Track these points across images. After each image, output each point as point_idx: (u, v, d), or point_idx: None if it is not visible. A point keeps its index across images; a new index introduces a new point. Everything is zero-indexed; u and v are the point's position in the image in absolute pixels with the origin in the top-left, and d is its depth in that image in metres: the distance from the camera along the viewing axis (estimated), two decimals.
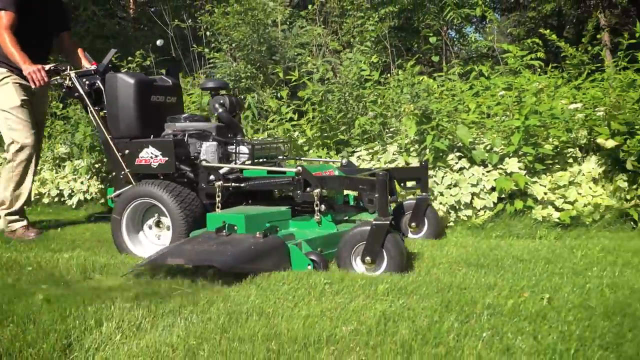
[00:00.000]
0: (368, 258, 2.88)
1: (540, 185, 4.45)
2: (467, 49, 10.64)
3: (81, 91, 3.87)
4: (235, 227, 3.15)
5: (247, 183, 3.59)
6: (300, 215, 3.53)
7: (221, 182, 3.49)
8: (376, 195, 2.98)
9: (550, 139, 4.67)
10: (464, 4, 8.75)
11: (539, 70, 6.37)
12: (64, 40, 4.66)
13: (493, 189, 4.40)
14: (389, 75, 6.23)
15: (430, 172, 4.42)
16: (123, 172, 3.72)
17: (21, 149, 4.26)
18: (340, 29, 8.05)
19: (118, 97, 3.72)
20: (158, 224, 3.61)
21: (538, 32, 7.53)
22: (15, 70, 4.22)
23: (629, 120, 4.35)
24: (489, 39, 9.09)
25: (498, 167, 4.51)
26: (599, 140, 4.41)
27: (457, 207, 4.39)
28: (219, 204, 3.47)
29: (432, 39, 6.73)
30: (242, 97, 6.31)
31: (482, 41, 9.75)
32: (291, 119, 5.68)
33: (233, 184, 3.55)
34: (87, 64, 4.34)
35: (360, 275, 2.76)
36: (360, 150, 5.19)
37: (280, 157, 4.11)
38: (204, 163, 3.60)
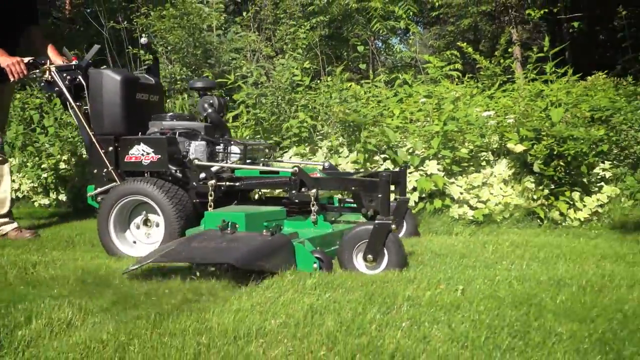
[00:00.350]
0: (370, 256, 2.82)
1: (457, 185, 4.58)
2: (392, 59, 10.84)
3: (62, 86, 3.64)
4: (237, 225, 3.01)
5: (242, 182, 3.47)
6: (292, 215, 3.41)
7: (214, 181, 3.37)
8: (379, 196, 2.94)
9: (466, 144, 4.82)
10: (389, 16, 8.90)
11: (457, 80, 6.57)
12: (33, 35, 4.33)
13: (414, 189, 4.50)
14: (319, 81, 6.26)
15: None
16: (106, 170, 3.53)
17: None
18: (273, 35, 8.03)
19: (103, 93, 3.54)
20: (146, 222, 3.46)
21: (456, 45, 7.76)
22: None
23: (536, 127, 4.54)
24: (412, 50, 9.32)
25: (419, 168, 4.62)
26: (509, 145, 4.58)
27: None
28: (212, 203, 3.34)
29: (360, 48, 6.82)
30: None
31: (406, 52, 9.98)
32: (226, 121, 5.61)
33: (227, 183, 3.43)
34: (58, 60, 4.04)
35: (290, 271, 2.75)
36: (290, 152, 5.18)
37: (263, 159, 3.98)
38: (196, 162, 3.46)
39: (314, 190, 3.16)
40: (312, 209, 3.18)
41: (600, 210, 4.50)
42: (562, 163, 4.41)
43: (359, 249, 2.86)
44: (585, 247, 3.58)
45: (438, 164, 4.59)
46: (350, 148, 4.94)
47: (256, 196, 4.23)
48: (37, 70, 3.78)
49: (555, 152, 4.36)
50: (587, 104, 5.11)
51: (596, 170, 4.66)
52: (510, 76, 6.37)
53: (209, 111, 3.74)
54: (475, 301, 2.29)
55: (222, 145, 3.64)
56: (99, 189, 3.57)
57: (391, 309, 2.21)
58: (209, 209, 3.29)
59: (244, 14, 7.87)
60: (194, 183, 3.46)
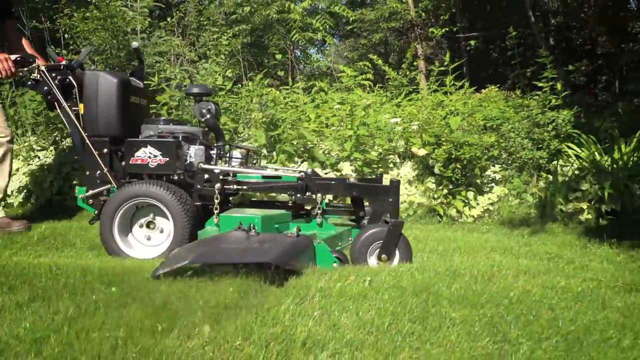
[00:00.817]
0: (384, 255, 2.84)
1: None
2: (310, 67, 10.91)
3: (52, 86, 3.37)
4: (255, 228, 2.89)
5: (248, 186, 3.34)
6: (297, 218, 3.36)
7: (220, 184, 3.20)
8: (390, 200, 3.02)
9: (376, 147, 4.93)
10: (307, 28, 8.95)
11: (368, 89, 6.70)
12: (7, 28, 3.98)
13: None
14: (240, 85, 6.19)
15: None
16: (100, 172, 3.32)
17: None
18: (197, 41, 7.84)
19: (98, 95, 3.31)
20: (149, 224, 3.25)
21: (368, 57, 7.92)
22: None
23: (437, 134, 4.71)
24: (328, 60, 9.41)
25: (334, 169, 4.67)
26: (414, 149, 4.73)
27: None
28: (217, 206, 3.18)
29: (278, 56, 6.81)
30: None
31: (323, 61, 10.07)
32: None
33: (235, 187, 3.29)
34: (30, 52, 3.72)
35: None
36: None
37: (249, 164, 3.80)
38: (201, 165, 3.28)
39: (319, 195, 3.14)
40: (318, 211, 3.16)
41: (491, 208, 4.74)
42: (459, 166, 4.61)
43: (373, 249, 2.88)
44: (477, 241, 3.75)
45: (351, 165, 4.67)
46: (270, 150, 4.92)
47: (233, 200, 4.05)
48: (25, 69, 3.49)
49: (453, 156, 4.55)
50: (480, 114, 5.37)
51: (488, 172, 4.90)
52: (415, 87, 6.59)
53: (207, 117, 3.51)
54: (381, 291, 2.34)
55: (216, 149, 3.50)
56: (92, 191, 3.34)
57: (304, 300, 2.21)
58: (215, 212, 3.17)
59: (169, 19, 7.64)
60: (198, 186, 3.29)
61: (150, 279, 2.48)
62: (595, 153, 5.00)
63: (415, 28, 12.45)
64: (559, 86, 5.52)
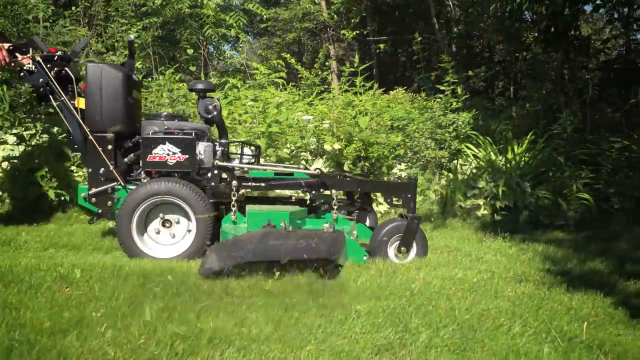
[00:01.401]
0: (403, 248, 3.01)
1: None
2: (224, 63, 10.73)
3: (51, 78, 3.11)
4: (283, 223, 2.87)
5: (266, 183, 3.29)
6: (313, 214, 3.34)
7: (237, 181, 3.13)
8: (409, 196, 3.15)
9: (288, 144, 4.93)
10: (221, 24, 8.79)
11: (281, 86, 6.70)
12: None
13: None
14: (150, 80, 5.97)
15: None
16: (104, 169, 3.11)
17: None
18: (105, 32, 7.46)
19: (103, 89, 3.08)
20: (164, 223, 3.12)
21: (281, 56, 7.92)
22: None
23: (346, 132, 4.79)
24: (242, 57, 9.30)
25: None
26: (326, 146, 4.79)
27: None
28: (235, 204, 3.09)
29: (190, 51, 6.64)
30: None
31: (236, 58, 9.94)
32: (53, 113, 5.10)
33: (252, 184, 3.25)
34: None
35: (110, 264, 2.58)
36: None
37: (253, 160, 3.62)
38: (217, 162, 3.19)
39: (335, 191, 3.18)
40: (334, 207, 3.17)
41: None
42: (367, 164, 4.72)
43: (393, 242, 3.03)
44: None
45: (264, 161, 4.64)
46: None
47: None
48: (20, 59, 3.15)
49: (362, 154, 4.65)
50: (388, 114, 5.54)
51: (394, 170, 5.06)
52: (327, 87, 6.67)
53: (214, 113, 3.36)
54: (290, 287, 2.35)
55: (221, 146, 3.34)
56: (96, 189, 3.14)
57: (210, 298, 2.17)
58: (232, 208, 3.09)
59: (74, 8, 7.21)
60: (213, 183, 3.20)
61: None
62: (491, 153, 5.31)
63: (328, 29, 12.62)
64: (459, 90, 5.80)
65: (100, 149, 3.11)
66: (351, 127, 4.83)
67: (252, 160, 3.52)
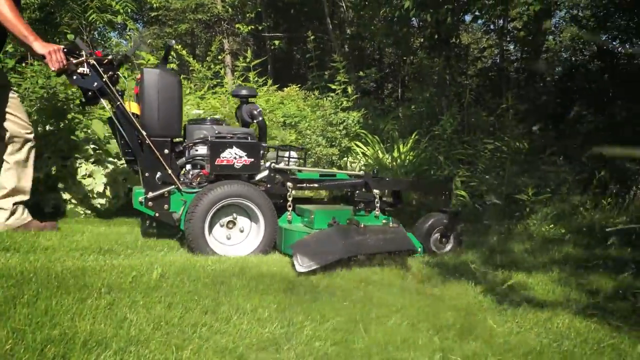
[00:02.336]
0: (444, 239, 3.45)
1: None
2: (109, 51, 10.16)
3: (108, 82, 3.05)
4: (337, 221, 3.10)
5: (319, 184, 3.54)
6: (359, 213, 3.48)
7: (292, 183, 3.32)
8: (446, 193, 3.67)
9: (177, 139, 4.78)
10: (107, 9, 8.30)
11: None
12: None
13: (125, 179, 4.28)
14: (25, 65, 5.49)
15: (67, 163, 4.07)
16: (161, 173, 3.11)
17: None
18: None
19: (160, 94, 3.08)
20: (228, 224, 3.18)
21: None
22: None
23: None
24: (130, 46, 8.85)
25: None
26: None
27: (91, 196, 4.13)
28: (291, 204, 3.30)
29: (70, 37, 6.19)
30: None
31: (124, 46, 9.45)
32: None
33: (307, 185, 3.49)
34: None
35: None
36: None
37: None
38: (274, 165, 3.35)
39: (377, 190, 3.42)
40: (377, 205, 3.39)
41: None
42: None
43: (435, 234, 3.43)
44: None
45: None
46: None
47: None
48: (75, 62, 3.02)
49: None
50: (281, 111, 5.56)
51: None
52: (219, 81, 6.55)
53: (259, 118, 3.55)
54: (175, 284, 2.28)
55: (266, 149, 3.56)
56: (153, 193, 3.11)
57: (90, 297, 2.05)
58: (288, 209, 3.30)
59: None
60: (269, 185, 3.33)
61: None
62: (379, 151, 5.52)
63: (222, 22, 12.40)
64: (350, 90, 5.97)
65: (158, 153, 3.11)
66: None
67: (300, 162, 3.70)
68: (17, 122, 3.29)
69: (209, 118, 3.53)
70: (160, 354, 1.62)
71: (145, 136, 3.08)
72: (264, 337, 1.83)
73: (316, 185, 3.54)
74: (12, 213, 3.30)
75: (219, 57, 7.16)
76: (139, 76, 3.24)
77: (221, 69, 6.92)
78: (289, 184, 3.32)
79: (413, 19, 8.42)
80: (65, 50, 3.04)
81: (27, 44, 3.03)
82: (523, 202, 4.41)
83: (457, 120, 6.07)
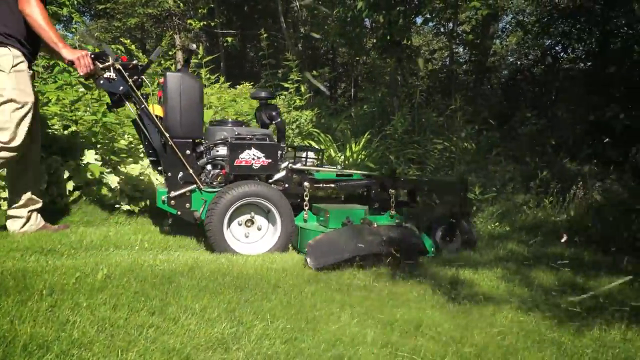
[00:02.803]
0: (448, 237, 3.57)
1: (115, 175, 4.39)
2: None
3: (133, 86, 3.16)
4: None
5: (335, 184, 3.56)
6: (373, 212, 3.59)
7: (309, 183, 3.38)
8: (461, 194, 3.63)
9: (126, 136, 4.66)
10: (51, 1, 7.99)
11: None
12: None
13: (69, 178, 4.14)
14: None
15: None
16: (183, 173, 3.21)
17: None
18: None
19: (182, 96, 3.18)
20: (247, 222, 3.28)
21: (121, 41, 7.46)
22: (28, 56, 3.11)
23: None
24: (76, 39, 8.56)
25: (77, 158, 4.26)
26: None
27: None
28: (307, 203, 3.39)
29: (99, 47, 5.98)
30: None
31: (69, 39, 9.11)
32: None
33: (324, 185, 3.52)
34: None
35: None
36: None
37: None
38: (291, 166, 3.42)
39: (392, 190, 3.50)
40: (392, 205, 3.48)
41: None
42: None
43: (438, 231, 3.55)
44: None
45: (96, 153, 4.32)
46: None
47: None
48: (101, 67, 3.14)
49: None
50: (233, 109, 5.50)
51: None
52: None
53: (278, 120, 3.64)
54: (121, 284, 2.22)
55: (286, 149, 3.65)
56: (175, 193, 3.21)
57: (31, 299, 1.97)
58: (305, 208, 3.38)
59: None
60: (287, 185, 3.40)
61: None
62: (331, 150, 5.55)
63: (174, 18, 12.17)
64: (303, 89, 5.97)
65: (180, 154, 3.19)
66: None
67: (317, 163, 3.73)
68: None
69: (230, 119, 3.63)
70: (104, 356, 1.58)
71: (168, 137, 3.19)
72: (213, 338, 1.81)
73: (332, 185, 3.58)
74: (28, 220, 3.36)
75: (170, 52, 7.01)
76: (162, 80, 3.31)
77: (172, 64, 6.77)
78: (305, 183, 3.40)
79: (366, 19, 8.52)
80: (92, 56, 3.12)
81: (56, 51, 3.09)
82: (471, 201, 4.53)
83: (407, 120, 6.18)
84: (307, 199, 3.39)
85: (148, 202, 4.25)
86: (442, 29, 9.54)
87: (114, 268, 2.42)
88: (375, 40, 9.36)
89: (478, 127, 6.42)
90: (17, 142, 3.06)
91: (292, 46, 11.32)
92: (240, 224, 3.27)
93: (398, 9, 6.76)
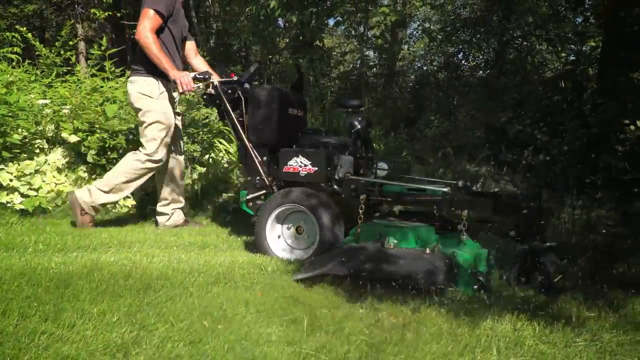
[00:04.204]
0: (525, 275, 2.74)
1: (7, 172, 4.10)
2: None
3: (224, 99, 3.49)
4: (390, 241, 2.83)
5: (393, 198, 3.28)
6: (443, 234, 2.99)
7: (365, 195, 3.11)
8: (542, 222, 2.90)
9: (20, 130, 4.35)
10: None
11: (15, 63, 5.88)
12: (188, 48, 4.14)
13: None
14: None
15: None
16: (259, 178, 3.43)
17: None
18: None
19: (261, 107, 3.40)
20: (297, 229, 3.29)
21: (17, 29, 6.95)
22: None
23: (91, 120, 4.44)
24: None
25: None
26: (64, 134, 4.36)
27: None
28: (362, 217, 3.06)
29: None
30: None
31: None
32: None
33: (378, 198, 3.23)
34: (204, 69, 3.86)
35: None
36: None
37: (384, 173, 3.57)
38: (348, 175, 3.24)
39: (465, 211, 2.88)
40: (463, 229, 2.86)
41: (147, 197, 4.73)
42: (115, 155, 4.45)
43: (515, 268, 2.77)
44: (131, 234, 3.66)
45: None
46: None
47: None
48: (201, 84, 3.58)
49: (108, 145, 4.36)
50: None
51: None
52: (70, 68, 6.07)
53: (357, 127, 3.47)
54: (11, 289, 2.08)
55: (365, 160, 3.49)
56: (251, 195, 3.45)
57: None
58: (359, 222, 3.05)
59: None
60: (344, 196, 3.26)
61: None
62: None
63: (76, 6, 11.52)
64: None
65: (257, 160, 3.40)
66: (96, 115, 4.49)
67: (389, 174, 3.56)
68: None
69: (315, 129, 3.72)
70: None
71: (249, 145, 3.43)
72: (111, 343, 1.74)
73: (389, 199, 3.27)
74: (171, 215, 4.03)
75: (70, 42, 6.62)
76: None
77: (72, 55, 6.40)
78: (362, 196, 3.12)
79: (279, 18, 8.53)
80: (196, 76, 3.57)
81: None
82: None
83: (319, 120, 6.26)
84: (361, 212, 3.06)
85: (37, 202, 4.01)
86: (353, 32, 9.76)
87: (3, 272, 2.26)
88: (288, 40, 9.40)
89: (386, 129, 6.63)
90: (159, 156, 3.75)
91: (204, 42, 11.09)
92: (289, 229, 3.31)
93: (310, 10, 6.83)
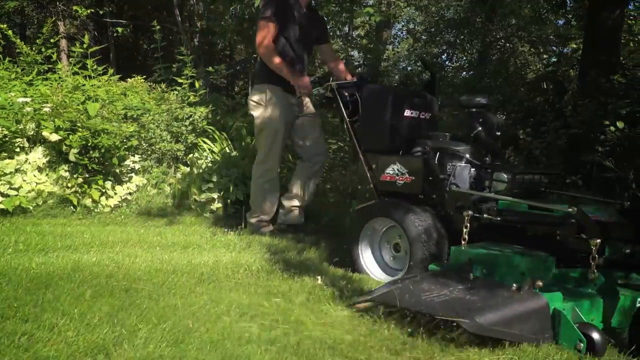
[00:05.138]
0: None
1: None
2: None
3: (339, 102, 3.33)
4: (484, 271, 2.34)
5: (503, 217, 2.59)
6: (567, 268, 2.35)
7: (471, 212, 2.57)
8: None
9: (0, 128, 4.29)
10: None
11: None
12: (324, 51, 4.13)
13: None
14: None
15: None
16: (368, 186, 3.15)
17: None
18: None
19: (371, 108, 3.15)
20: (396, 246, 2.97)
21: None
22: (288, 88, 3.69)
23: (72, 119, 4.39)
24: None
25: None
26: (45, 133, 4.30)
27: None
28: (466, 237, 2.52)
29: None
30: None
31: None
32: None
33: (485, 216, 2.61)
34: (342, 76, 3.79)
35: None
36: None
37: (545, 190, 3.00)
38: (453, 188, 2.78)
39: (597, 240, 2.13)
40: (592, 263, 2.14)
41: (129, 197, 4.69)
42: (96, 154, 4.40)
43: None
44: (111, 234, 3.62)
45: None
46: None
47: None
48: (320, 87, 3.54)
49: (90, 144, 4.32)
50: (122, 102, 5.25)
51: (127, 162, 4.83)
52: (51, 66, 5.99)
53: (476, 131, 2.95)
54: None
55: (488, 170, 2.89)
56: (360, 206, 3.14)
57: None
58: (463, 243, 2.52)
59: None
60: (449, 211, 2.79)
61: None
62: (226, 148, 5.48)
63: (58, 3, 11.38)
64: (197, 84, 5.83)
65: (366, 167, 3.15)
66: (77, 114, 4.43)
67: (507, 188, 2.82)
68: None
69: (437, 133, 3.17)
70: None
71: (359, 149, 3.23)
72: (92, 344, 1.72)
73: (498, 218, 2.60)
74: (290, 211, 4.00)
75: (52, 40, 6.53)
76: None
77: (54, 53, 6.31)
78: (467, 212, 2.57)
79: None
80: (316, 79, 3.63)
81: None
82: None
83: None
84: (465, 230, 2.53)
85: (18, 202, 3.95)
86: (338, 32, 9.77)
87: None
88: None
89: None
90: (269, 160, 3.82)
91: (188, 41, 11.02)
92: (388, 244, 3.01)
93: None
